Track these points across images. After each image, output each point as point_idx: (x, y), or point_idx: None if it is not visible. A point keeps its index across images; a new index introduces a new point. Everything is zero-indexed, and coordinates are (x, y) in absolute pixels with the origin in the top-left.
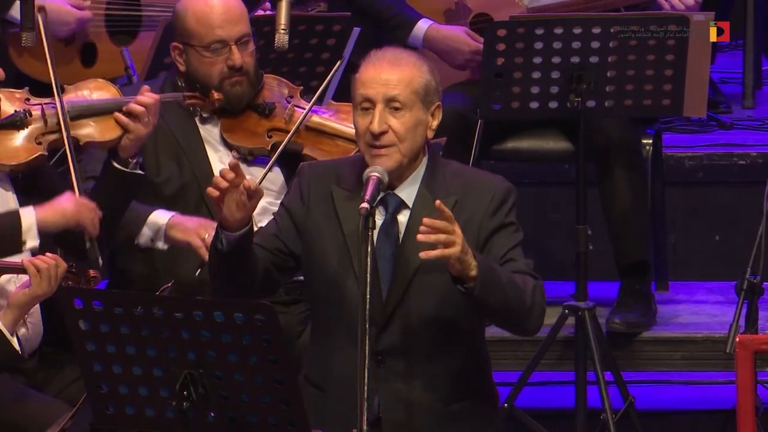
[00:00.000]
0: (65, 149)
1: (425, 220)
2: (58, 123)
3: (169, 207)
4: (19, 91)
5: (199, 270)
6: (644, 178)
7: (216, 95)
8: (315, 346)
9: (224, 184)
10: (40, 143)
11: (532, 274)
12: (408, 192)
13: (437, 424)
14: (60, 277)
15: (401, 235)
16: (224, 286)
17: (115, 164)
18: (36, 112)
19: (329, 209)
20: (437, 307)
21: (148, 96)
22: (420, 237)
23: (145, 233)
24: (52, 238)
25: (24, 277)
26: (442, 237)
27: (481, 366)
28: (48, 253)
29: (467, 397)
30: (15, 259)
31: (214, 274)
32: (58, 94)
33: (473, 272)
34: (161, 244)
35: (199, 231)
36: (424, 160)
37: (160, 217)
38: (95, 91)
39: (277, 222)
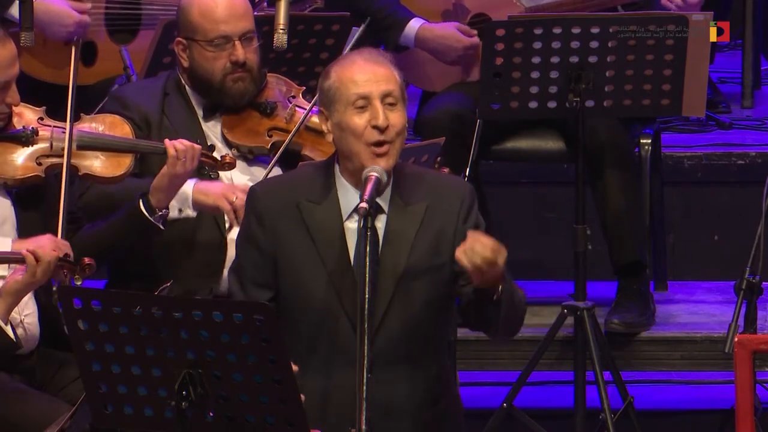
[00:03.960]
0: (62, 176)
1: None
2: (63, 149)
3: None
4: (37, 108)
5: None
6: (636, 179)
7: (228, 158)
8: (308, 380)
9: None
10: (39, 164)
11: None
12: (381, 196)
13: (420, 428)
14: (53, 268)
15: (381, 242)
16: None
17: (141, 206)
18: (44, 133)
19: (298, 225)
20: (420, 312)
21: (188, 142)
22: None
23: (172, 205)
24: None
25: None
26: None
27: (450, 370)
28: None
29: (441, 400)
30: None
31: None
32: (71, 122)
33: (497, 292)
34: (190, 212)
35: (226, 194)
36: None
37: (185, 186)
38: (109, 128)
39: (251, 271)
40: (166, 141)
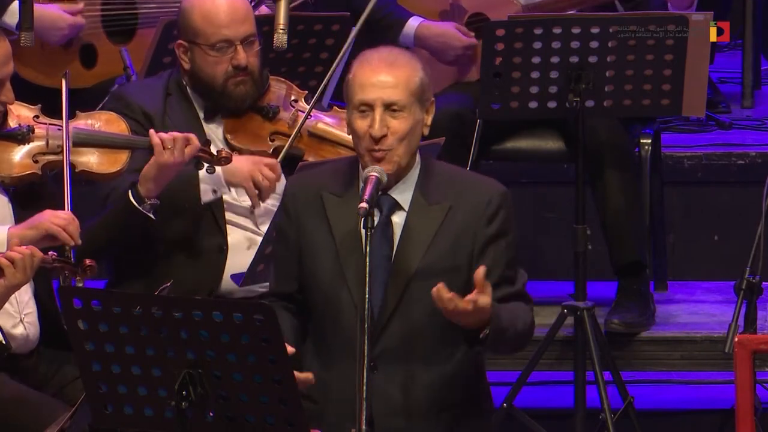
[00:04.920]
0: (63, 173)
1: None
2: (60, 146)
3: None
4: (32, 107)
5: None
6: (636, 179)
7: (224, 153)
8: (312, 362)
9: None
10: (36, 161)
11: (526, 296)
12: (402, 193)
13: (431, 429)
14: (36, 267)
15: (396, 238)
16: None
17: (131, 197)
18: (40, 131)
19: (320, 216)
20: (433, 311)
21: (177, 133)
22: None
23: (205, 189)
24: None
25: None
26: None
27: (477, 369)
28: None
29: (462, 402)
30: None
31: None
32: (66, 119)
33: (483, 332)
34: (225, 190)
35: (254, 174)
36: (418, 160)
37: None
38: (105, 124)
39: (282, 258)
40: (151, 131)
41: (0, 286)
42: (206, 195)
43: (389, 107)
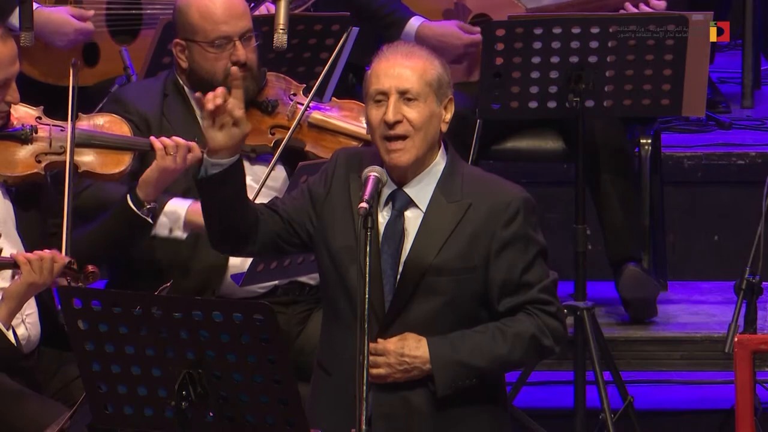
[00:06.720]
0: (65, 174)
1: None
2: (62, 147)
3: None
4: (35, 108)
5: None
6: (636, 179)
7: None
8: (324, 330)
9: (213, 105)
10: (39, 161)
11: (546, 301)
12: (419, 190)
13: (434, 427)
14: (57, 272)
15: (409, 235)
16: (218, 237)
17: (130, 201)
18: (43, 131)
19: (346, 197)
20: (442, 309)
21: (180, 139)
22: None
23: (163, 223)
24: None
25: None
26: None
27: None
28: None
29: (470, 402)
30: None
31: (207, 224)
32: (72, 120)
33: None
34: (180, 233)
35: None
36: (442, 159)
37: (178, 205)
38: (108, 126)
39: (294, 198)
40: (152, 137)
41: (17, 285)
42: (161, 229)
43: (404, 94)
